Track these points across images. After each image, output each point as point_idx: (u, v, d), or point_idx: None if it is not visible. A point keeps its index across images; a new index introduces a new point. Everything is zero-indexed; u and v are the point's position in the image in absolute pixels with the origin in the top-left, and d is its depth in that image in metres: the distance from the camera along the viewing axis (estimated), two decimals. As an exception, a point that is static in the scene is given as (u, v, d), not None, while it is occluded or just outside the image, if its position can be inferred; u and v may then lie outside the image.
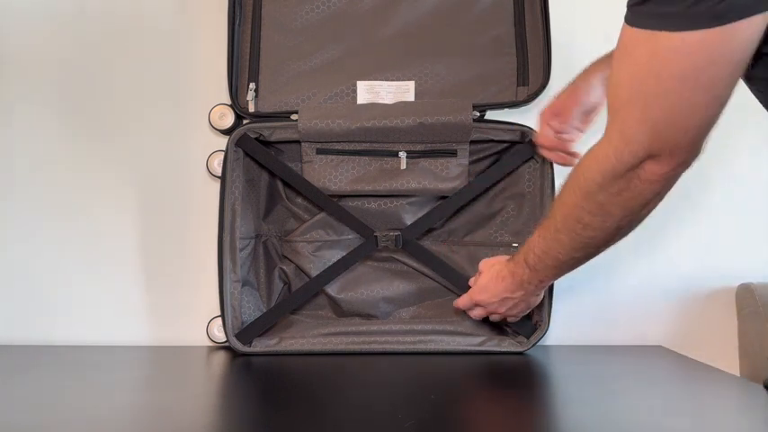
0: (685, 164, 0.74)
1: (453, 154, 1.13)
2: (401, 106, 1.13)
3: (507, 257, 1.03)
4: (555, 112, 1.06)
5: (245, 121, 1.15)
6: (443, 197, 1.16)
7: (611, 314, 1.26)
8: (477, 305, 1.08)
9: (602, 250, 0.88)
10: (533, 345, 1.12)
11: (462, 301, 1.10)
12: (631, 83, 0.71)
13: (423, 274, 1.19)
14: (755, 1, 0.62)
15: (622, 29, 0.70)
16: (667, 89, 0.68)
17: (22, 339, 1.20)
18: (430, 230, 1.21)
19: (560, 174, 1.12)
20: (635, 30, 0.68)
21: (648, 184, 0.75)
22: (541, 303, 1.12)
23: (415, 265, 1.19)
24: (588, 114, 1.06)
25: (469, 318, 1.17)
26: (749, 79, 0.73)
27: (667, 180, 0.75)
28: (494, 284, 1.03)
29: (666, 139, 0.71)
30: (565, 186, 0.85)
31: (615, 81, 0.74)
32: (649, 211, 0.80)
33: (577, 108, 1.04)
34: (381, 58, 1.16)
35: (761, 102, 0.77)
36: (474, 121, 1.11)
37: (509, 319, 1.10)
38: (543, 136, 1.09)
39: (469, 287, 1.10)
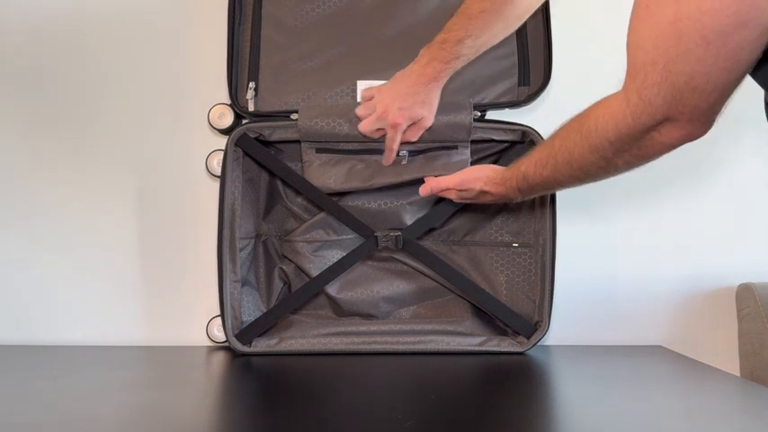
0: (703, 128, 0.72)
1: (454, 149, 1.13)
2: (401, 106, 1.12)
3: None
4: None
5: (244, 121, 1.15)
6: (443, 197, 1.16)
7: (611, 314, 1.26)
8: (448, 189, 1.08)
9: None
10: (533, 345, 1.12)
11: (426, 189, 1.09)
12: (653, 44, 0.67)
13: (423, 274, 1.19)
14: None
15: None
16: (690, 51, 0.64)
17: (22, 339, 1.20)
18: (430, 230, 1.21)
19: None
20: None
21: (661, 147, 0.75)
22: (542, 303, 1.12)
23: (415, 265, 1.19)
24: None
25: (469, 318, 1.17)
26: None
27: (681, 143, 0.74)
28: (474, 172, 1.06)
29: (686, 102, 0.69)
30: (570, 132, 0.84)
31: (635, 42, 0.70)
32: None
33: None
34: (381, 58, 1.15)
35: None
36: (475, 120, 1.11)
37: (459, 196, 1.07)
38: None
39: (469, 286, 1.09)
